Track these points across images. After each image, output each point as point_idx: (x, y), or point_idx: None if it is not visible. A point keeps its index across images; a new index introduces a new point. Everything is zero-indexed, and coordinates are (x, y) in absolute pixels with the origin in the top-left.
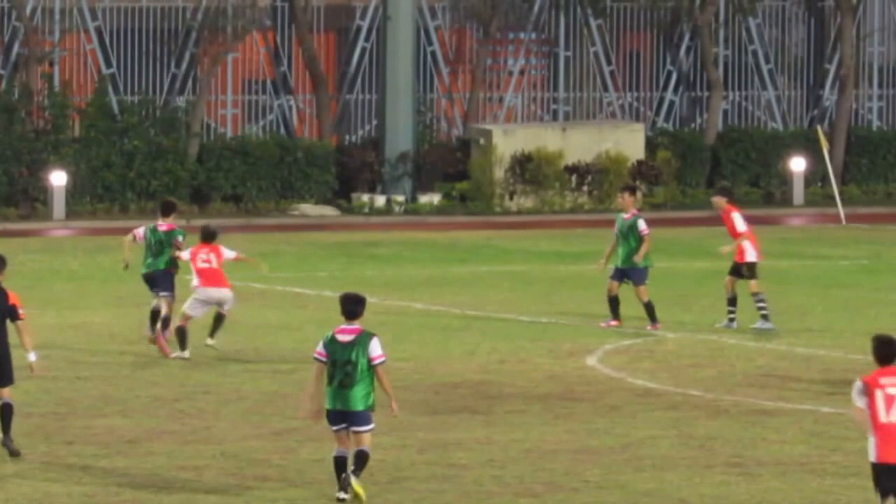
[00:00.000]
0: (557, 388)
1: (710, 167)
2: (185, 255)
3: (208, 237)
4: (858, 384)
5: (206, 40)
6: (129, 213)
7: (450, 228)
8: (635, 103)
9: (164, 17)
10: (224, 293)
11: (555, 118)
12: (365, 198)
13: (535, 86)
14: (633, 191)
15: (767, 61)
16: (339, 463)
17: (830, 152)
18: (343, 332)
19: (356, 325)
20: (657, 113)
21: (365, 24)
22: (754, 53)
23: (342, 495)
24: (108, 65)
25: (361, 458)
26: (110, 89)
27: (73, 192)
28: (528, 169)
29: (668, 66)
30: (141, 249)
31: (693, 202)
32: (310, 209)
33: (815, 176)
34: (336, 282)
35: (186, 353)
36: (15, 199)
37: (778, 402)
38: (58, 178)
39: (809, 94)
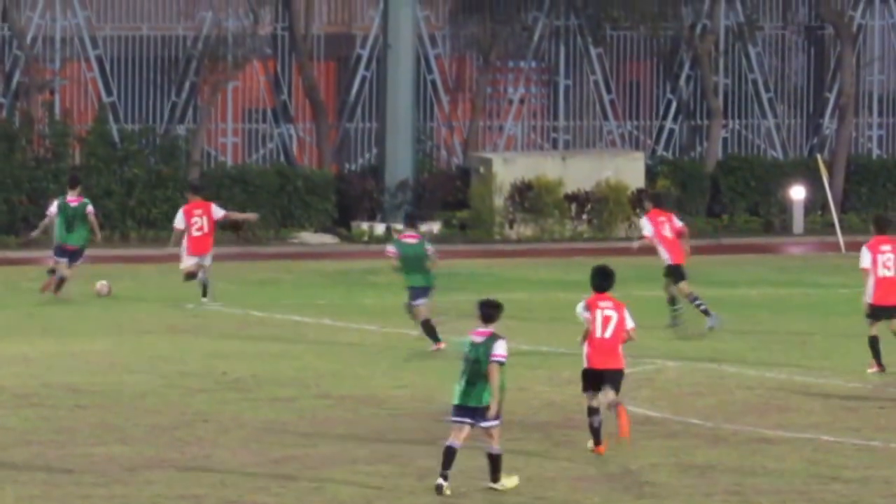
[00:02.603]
0: (556, 416)
1: (710, 195)
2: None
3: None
4: (583, 303)
5: (207, 69)
6: (130, 241)
7: (449, 257)
8: (635, 132)
9: (164, 45)
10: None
11: (555, 146)
12: (365, 226)
13: (535, 114)
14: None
15: (767, 90)
16: (448, 452)
17: (830, 181)
18: (477, 333)
19: (489, 329)
20: (657, 141)
21: (365, 53)
22: (754, 82)
23: (441, 482)
24: (109, 93)
25: (495, 462)
26: (110, 117)
27: None
28: (527, 197)
29: (668, 95)
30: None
31: (693, 230)
32: (309, 237)
33: (815, 204)
34: (336, 310)
35: None
36: (15, 228)
37: (777, 431)
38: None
39: (809, 122)
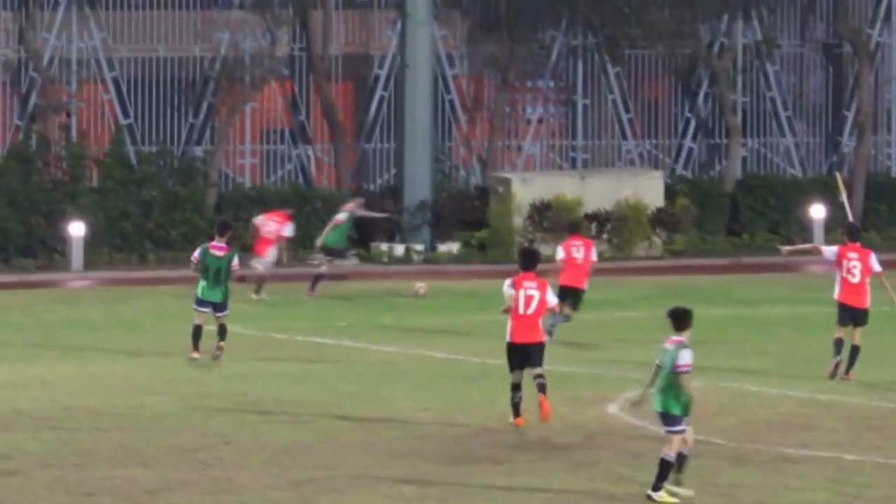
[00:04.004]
0: (578, 437)
1: (730, 214)
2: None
3: None
4: (509, 281)
5: (224, 90)
6: (148, 263)
7: (469, 277)
8: (654, 150)
9: (181, 67)
10: None
11: (573, 166)
12: (384, 247)
13: (554, 133)
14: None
15: (786, 108)
16: (664, 464)
17: (849, 199)
18: (670, 341)
19: (680, 337)
20: (676, 160)
21: (383, 73)
22: (772, 100)
23: (675, 489)
24: (126, 115)
25: (680, 461)
26: (127, 139)
27: (91, 243)
28: (547, 217)
29: (687, 114)
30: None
31: (713, 249)
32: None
33: (835, 223)
34: (356, 331)
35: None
36: (33, 250)
37: (800, 450)
38: (76, 229)
39: (828, 140)
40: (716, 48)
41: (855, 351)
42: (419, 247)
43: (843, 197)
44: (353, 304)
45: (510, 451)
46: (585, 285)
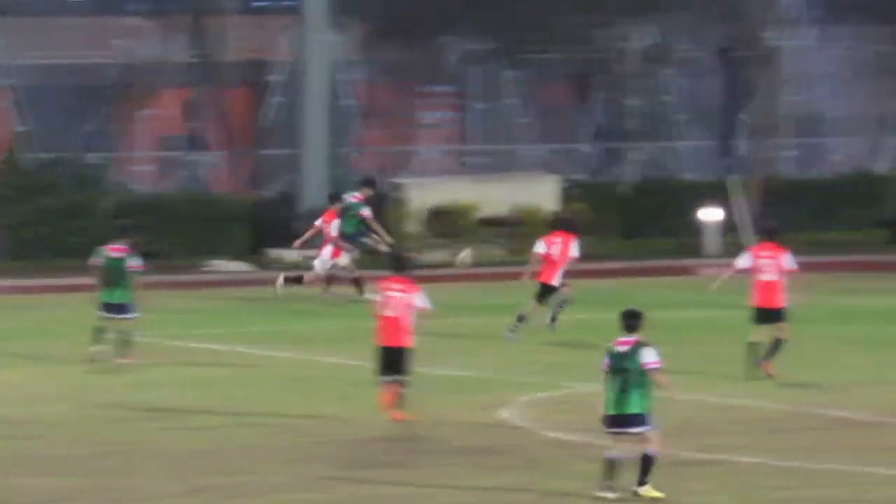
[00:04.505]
0: (477, 441)
1: (626, 218)
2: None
3: None
4: (377, 285)
5: (121, 97)
6: (45, 270)
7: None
8: (551, 155)
9: (79, 74)
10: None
11: (470, 171)
12: (280, 253)
13: (450, 139)
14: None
15: (682, 112)
16: (608, 464)
17: (746, 202)
18: (620, 343)
19: (633, 337)
20: (572, 164)
21: (279, 79)
22: (669, 104)
23: (603, 494)
24: (23, 122)
25: (647, 463)
26: (25, 147)
27: None
28: (442, 222)
29: (584, 118)
30: None
31: (609, 253)
32: (225, 265)
33: (730, 226)
34: (256, 337)
35: None
36: None
37: (697, 453)
38: None
39: (724, 144)
40: (613, 53)
41: (777, 343)
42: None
43: (738, 200)
44: (249, 310)
45: (411, 455)
46: (554, 281)
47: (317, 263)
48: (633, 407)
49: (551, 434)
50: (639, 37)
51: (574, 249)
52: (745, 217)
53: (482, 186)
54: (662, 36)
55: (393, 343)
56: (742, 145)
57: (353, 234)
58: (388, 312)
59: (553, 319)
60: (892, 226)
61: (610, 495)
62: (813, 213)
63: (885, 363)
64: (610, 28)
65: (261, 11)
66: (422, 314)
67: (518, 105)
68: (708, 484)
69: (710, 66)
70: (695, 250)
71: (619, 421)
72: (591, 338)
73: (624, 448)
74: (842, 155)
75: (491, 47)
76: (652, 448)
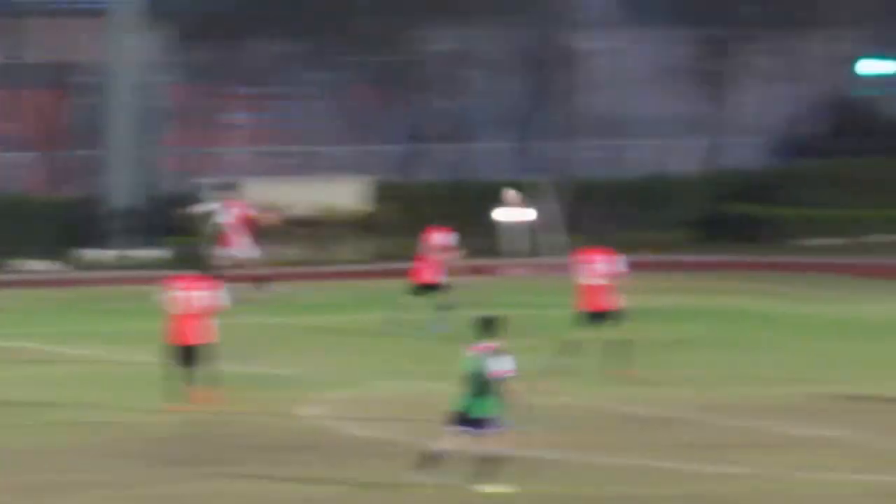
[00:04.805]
0: (276, 439)
1: (435, 218)
2: None
3: None
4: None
5: None
6: None
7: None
8: (358, 156)
9: None
10: None
11: (281, 172)
12: (91, 253)
13: (259, 140)
14: None
15: (488, 113)
16: (431, 456)
17: (552, 202)
18: (477, 348)
19: (489, 343)
20: (381, 165)
21: (89, 80)
22: (475, 106)
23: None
24: None
25: (492, 462)
26: None
27: None
28: (252, 222)
29: (391, 119)
30: None
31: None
32: (35, 265)
33: (536, 225)
34: (63, 337)
35: None
36: None
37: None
38: None
39: (527, 145)
40: (418, 56)
41: (622, 345)
42: (125, 252)
43: (543, 201)
44: (60, 309)
45: (208, 453)
46: (438, 279)
47: (242, 255)
48: (483, 410)
49: (352, 431)
50: (443, 39)
51: (449, 239)
52: (547, 218)
53: (292, 187)
54: (466, 38)
55: (192, 341)
56: (545, 147)
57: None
58: (186, 310)
59: (434, 321)
60: (695, 225)
61: (430, 481)
62: (615, 214)
63: (679, 362)
64: (414, 31)
65: (70, 13)
66: (219, 311)
67: (325, 107)
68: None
69: (514, 68)
70: (497, 251)
71: (471, 423)
72: (404, 339)
73: (457, 444)
74: (643, 155)
75: (299, 50)
76: (500, 448)
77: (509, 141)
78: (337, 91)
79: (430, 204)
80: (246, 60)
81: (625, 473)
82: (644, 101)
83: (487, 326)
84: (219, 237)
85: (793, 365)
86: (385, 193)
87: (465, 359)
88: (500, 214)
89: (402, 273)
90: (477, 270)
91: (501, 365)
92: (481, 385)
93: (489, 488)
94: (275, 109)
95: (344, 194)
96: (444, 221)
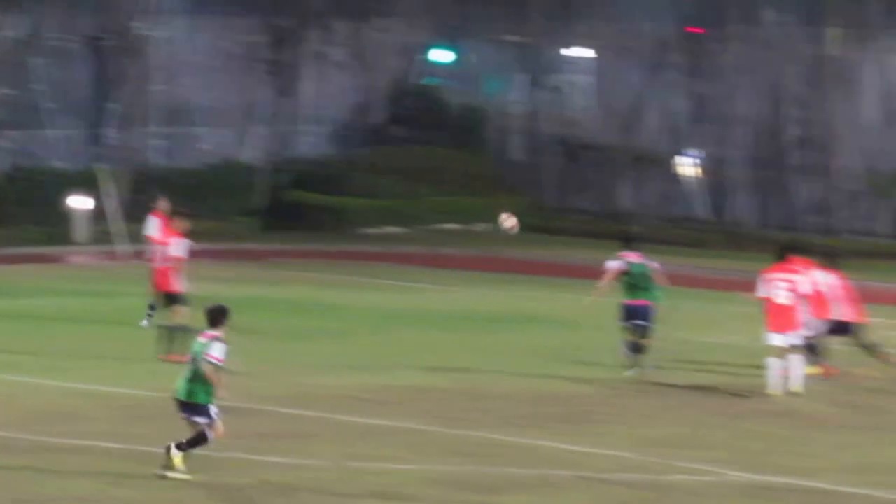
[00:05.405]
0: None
1: None
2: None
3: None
4: None
5: None
6: None
7: None
8: None
9: None
10: None
11: None
12: None
13: None
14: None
15: (52, 100)
16: (202, 437)
17: (115, 190)
18: (204, 336)
19: (214, 332)
20: None
21: None
22: (38, 93)
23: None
24: None
25: (198, 438)
26: None
27: None
28: None
29: None
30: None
31: None
32: None
33: (100, 214)
34: None
35: None
36: None
37: (66, 439)
38: None
39: (94, 133)
40: None
41: (177, 329)
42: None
43: (107, 189)
44: None
45: None
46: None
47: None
48: (199, 397)
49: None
50: (9, 25)
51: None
52: (113, 206)
53: None
54: (32, 24)
55: None
56: (112, 134)
57: None
58: None
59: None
60: (260, 214)
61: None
62: (184, 202)
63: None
64: None
65: None
66: None
67: None
68: (72, 469)
69: (80, 55)
70: (64, 238)
71: (185, 407)
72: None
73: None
74: (210, 144)
75: None
76: (210, 433)
77: (80, 129)
78: None
79: None
80: None
81: (193, 463)
82: (211, 90)
83: (213, 315)
84: None
85: (361, 355)
86: None
87: (194, 345)
88: (73, 202)
89: None
90: (42, 259)
91: (216, 351)
92: (198, 371)
93: (175, 457)
94: None
95: None
96: (7, 208)
